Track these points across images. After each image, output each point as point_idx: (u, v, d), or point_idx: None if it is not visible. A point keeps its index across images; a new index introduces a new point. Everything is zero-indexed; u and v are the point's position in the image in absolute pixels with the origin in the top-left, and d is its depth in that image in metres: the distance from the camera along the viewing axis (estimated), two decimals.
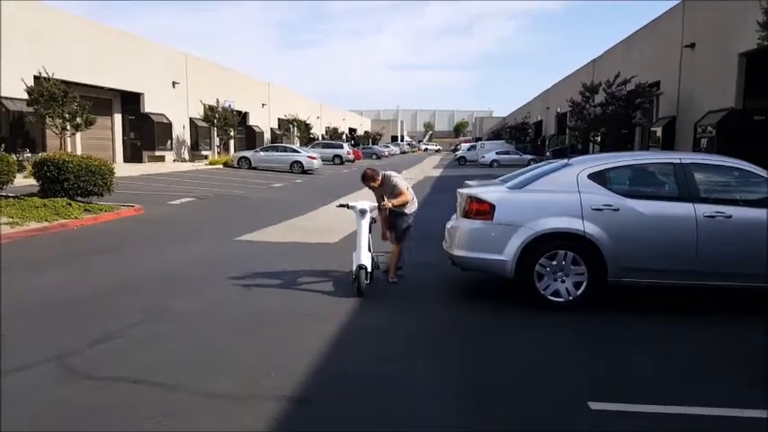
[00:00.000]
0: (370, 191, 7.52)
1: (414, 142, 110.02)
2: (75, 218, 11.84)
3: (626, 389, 4.19)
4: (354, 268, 6.64)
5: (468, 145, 66.77)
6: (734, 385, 4.32)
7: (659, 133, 25.21)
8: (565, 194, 6.06)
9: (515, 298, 6.33)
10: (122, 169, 25.78)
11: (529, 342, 5.23)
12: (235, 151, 37.76)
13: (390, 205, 7.06)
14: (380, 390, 4.15)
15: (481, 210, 6.21)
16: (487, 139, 74.50)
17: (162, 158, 32.00)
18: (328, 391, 4.11)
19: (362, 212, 6.92)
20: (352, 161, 44.99)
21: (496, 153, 46.93)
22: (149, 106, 31.14)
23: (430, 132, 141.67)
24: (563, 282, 6.04)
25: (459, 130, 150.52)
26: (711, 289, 6.17)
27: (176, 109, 33.93)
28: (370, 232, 7.09)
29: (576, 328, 5.62)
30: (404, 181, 7.32)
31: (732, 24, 19.86)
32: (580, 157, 6.71)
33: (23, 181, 15.89)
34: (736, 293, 6.32)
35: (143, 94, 30.67)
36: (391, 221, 7.35)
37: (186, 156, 35.49)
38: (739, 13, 18.73)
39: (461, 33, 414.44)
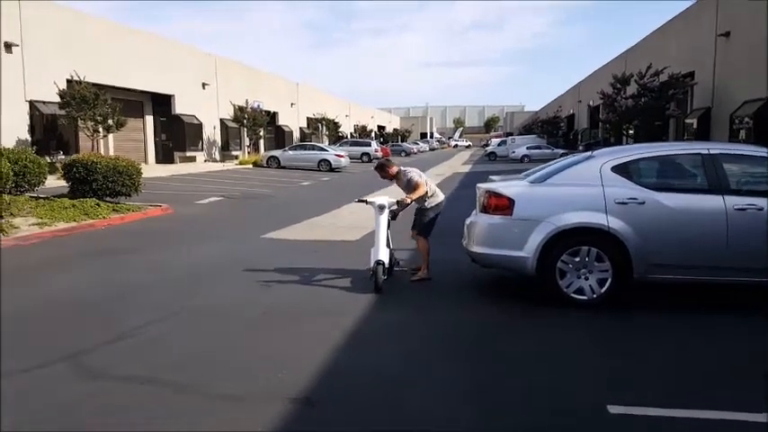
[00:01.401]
0: (397, 187, 7.49)
1: (443, 138, 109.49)
2: (104, 218, 12.03)
3: (647, 391, 4.00)
4: (372, 264, 6.58)
5: (498, 140, 66.09)
6: (758, 388, 4.09)
7: (694, 125, 24.49)
8: (587, 188, 5.86)
9: (533, 295, 6.16)
10: (154, 170, 26.25)
11: (547, 342, 5.05)
12: (265, 151, 38.08)
13: (410, 201, 7.01)
14: (391, 391, 4.03)
15: (500, 205, 6.05)
16: (519, 134, 73.68)
17: (193, 159, 32.48)
18: (337, 392, 4.01)
19: (381, 208, 6.85)
20: (381, 158, 44.94)
21: (527, 148, 46.19)
22: (180, 108, 31.63)
23: (460, 128, 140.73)
24: (586, 279, 5.84)
25: (489, 125, 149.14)
26: (741, 285, 5.91)
27: (207, 110, 34.39)
28: (389, 228, 7.02)
29: (595, 327, 5.42)
30: (419, 175, 7.20)
31: None
32: (604, 149, 6.49)
33: (56, 182, 16.22)
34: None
35: (173, 95, 31.18)
36: (415, 217, 7.30)
37: (217, 156, 35.95)
38: None
39: (491, 29, 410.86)
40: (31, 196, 13.34)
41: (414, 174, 7.16)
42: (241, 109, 35.93)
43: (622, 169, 5.91)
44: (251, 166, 32.22)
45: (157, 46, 30.43)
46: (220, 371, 4.39)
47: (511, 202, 5.98)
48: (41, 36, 21.57)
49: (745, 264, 5.61)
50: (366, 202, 7.10)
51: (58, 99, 20.93)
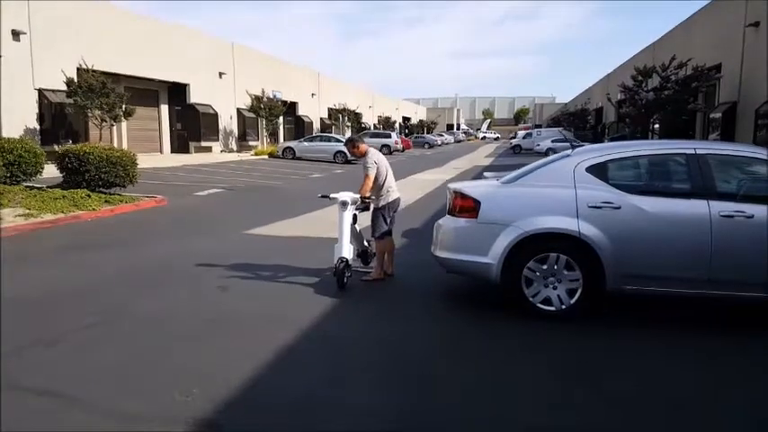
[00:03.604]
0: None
1: (471, 130, 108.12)
2: (93, 209, 11.85)
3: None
4: (335, 261, 6.34)
5: (524, 132, 64.81)
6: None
7: (720, 120, 23.37)
8: (559, 189, 5.36)
9: (501, 303, 5.69)
10: (167, 160, 26.24)
11: (510, 361, 4.57)
12: (284, 141, 37.88)
13: (366, 197, 6.71)
14: (311, 418, 3.63)
15: (465, 206, 5.58)
16: (547, 126, 72.22)
17: (209, 149, 32.39)
18: (247, 417, 3.63)
19: (344, 204, 6.56)
20: (402, 150, 44.33)
21: (552, 141, 44.91)
22: (195, 97, 31.47)
23: (488, 120, 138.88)
24: (555, 288, 5.35)
25: (519, 117, 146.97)
26: (729, 300, 5.33)
27: (223, 99, 34.22)
28: (355, 223, 6.76)
29: (559, 343, 4.91)
30: (375, 166, 6.70)
31: None
32: (583, 147, 5.95)
33: (58, 172, 16.14)
34: (760, 306, 5.44)
35: (189, 84, 30.99)
36: (372, 219, 6.95)
37: (234, 146, 35.82)
38: None
39: (525, 19, 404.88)
40: (26, 186, 13.28)
41: (369, 162, 6.68)
42: (258, 98, 35.65)
43: (598, 170, 5.38)
44: (266, 156, 32.02)
45: (173, 34, 30.23)
46: (132, 385, 4.05)
47: (476, 203, 5.51)
48: (51, 23, 21.49)
49: (731, 277, 5.04)
50: (329, 197, 6.76)
51: (65, 87, 20.86)
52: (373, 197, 6.76)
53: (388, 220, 6.88)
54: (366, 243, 7.26)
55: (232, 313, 5.66)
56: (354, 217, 6.74)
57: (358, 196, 6.65)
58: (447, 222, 5.80)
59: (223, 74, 34.25)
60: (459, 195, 5.66)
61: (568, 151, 5.87)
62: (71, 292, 6.27)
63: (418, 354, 4.74)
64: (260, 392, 3.96)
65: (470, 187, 5.79)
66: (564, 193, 5.30)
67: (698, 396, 3.96)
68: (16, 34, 20.05)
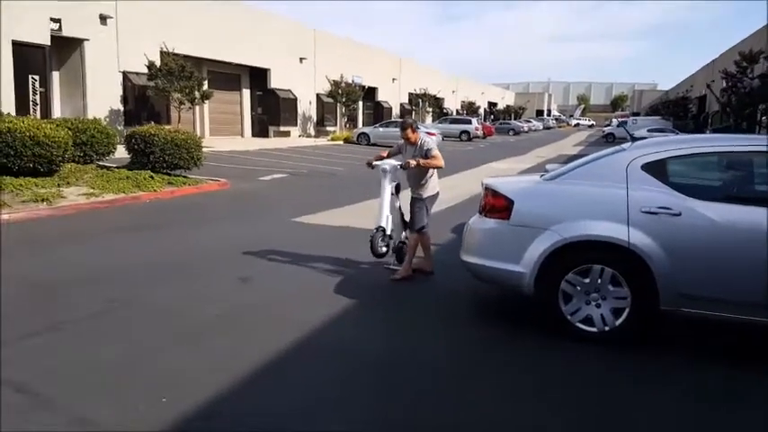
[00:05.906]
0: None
1: (563, 116, 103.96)
2: (154, 190, 12.00)
3: None
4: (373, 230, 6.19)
5: (618, 120, 61.48)
6: None
7: None
8: (607, 189, 4.56)
9: (545, 321, 4.97)
10: (245, 143, 26.73)
11: (535, 392, 3.92)
12: (362, 126, 37.75)
13: (415, 163, 6.19)
14: None
15: (497, 206, 4.89)
16: (645, 115, 68.30)
17: (287, 134, 32.74)
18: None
19: (384, 172, 6.32)
20: (483, 137, 43.03)
21: (648, 130, 42.10)
22: (275, 82, 31.82)
23: (582, 106, 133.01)
24: (598, 306, 4.57)
25: (617, 104, 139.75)
26: None
27: (303, 84, 34.44)
28: (397, 193, 6.59)
29: (607, 372, 4.18)
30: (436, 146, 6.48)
31: None
32: (643, 141, 5.07)
33: None
34: None
35: (270, 69, 31.34)
36: (411, 211, 6.48)
37: (312, 131, 36.05)
38: None
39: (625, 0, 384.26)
40: (99, 165, 13.69)
41: (431, 143, 6.43)
42: (336, 84, 35.59)
43: (656, 168, 4.51)
44: (342, 142, 31.96)
45: (255, 19, 30.50)
46: (108, 387, 3.76)
47: (509, 202, 4.80)
48: (136, 8, 22.20)
49: None
50: (372, 166, 6.62)
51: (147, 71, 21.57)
52: (421, 161, 6.24)
53: (430, 214, 6.47)
54: (405, 236, 6.74)
55: (243, 309, 5.31)
56: (397, 187, 6.50)
57: (398, 164, 6.32)
58: (475, 223, 5.13)
59: (303, 59, 34.42)
60: (491, 192, 4.98)
61: (624, 144, 5.04)
62: (92, 277, 6.15)
63: (428, 375, 4.14)
64: (236, 406, 3.55)
65: (504, 183, 5.10)
66: (613, 194, 4.50)
67: None
68: (103, 18, 20.89)
